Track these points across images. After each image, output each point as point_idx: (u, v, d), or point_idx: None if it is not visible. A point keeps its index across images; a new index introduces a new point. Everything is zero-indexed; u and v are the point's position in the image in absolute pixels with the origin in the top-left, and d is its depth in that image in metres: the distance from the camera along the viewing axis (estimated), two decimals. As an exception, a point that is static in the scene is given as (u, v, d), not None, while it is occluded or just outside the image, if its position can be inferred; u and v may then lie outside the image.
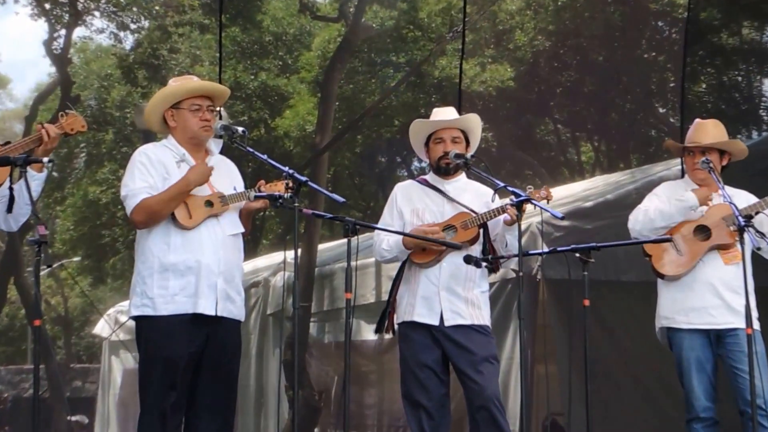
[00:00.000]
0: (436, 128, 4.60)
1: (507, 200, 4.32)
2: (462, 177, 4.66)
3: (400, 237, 4.45)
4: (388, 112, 16.71)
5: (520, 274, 4.01)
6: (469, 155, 4.50)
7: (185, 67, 17.25)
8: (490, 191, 4.49)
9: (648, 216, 4.70)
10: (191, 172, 4.07)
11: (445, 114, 4.63)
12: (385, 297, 4.88)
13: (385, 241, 4.55)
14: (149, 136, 10.81)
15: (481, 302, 4.49)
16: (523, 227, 4.28)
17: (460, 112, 4.71)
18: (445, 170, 4.59)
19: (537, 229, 6.67)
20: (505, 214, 4.32)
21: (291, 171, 3.85)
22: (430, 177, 4.67)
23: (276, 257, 12.68)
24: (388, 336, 4.70)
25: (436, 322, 4.40)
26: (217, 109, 4.26)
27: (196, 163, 4.12)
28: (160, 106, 4.20)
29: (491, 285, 4.88)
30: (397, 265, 4.64)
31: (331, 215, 4.08)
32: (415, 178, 4.81)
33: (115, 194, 18.43)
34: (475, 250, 4.46)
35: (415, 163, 19.56)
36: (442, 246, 4.35)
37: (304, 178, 3.84)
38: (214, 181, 4.17)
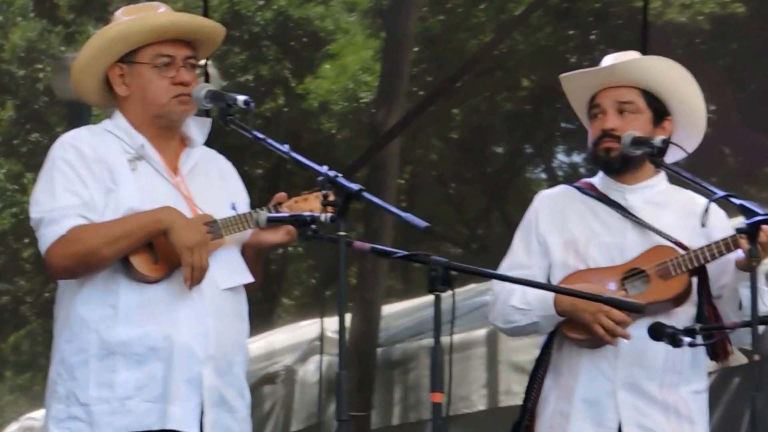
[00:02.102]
0: (595, 88, 4.63)
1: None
2: (660, 179, 4.66)
3: (548, 292, 4.47)
4: (509, 65, 16.76)
5: (756, 358, 4.01)
6: (658, 140, 4.47)
7: (142, -13, 17.54)
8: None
9: None
10: (178, 218, 4.06)
11: (615, 60, 4.65)
12: (506, 401, 4.91)
13: (516, 295, 4.54)
14: (79, 114, 11.01)
15: (692, 410, 4.53)
16: (762, 275, 4.26)
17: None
18: (606, 165, 4.59)
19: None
20: (739, 250, 4.31)
21: (333, 173, 3.93)
22: (600, 180, 4.69)
23: (307, 330, 12.76)
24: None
25: (611, 445, 4.48)
26: (202, 62, 4.35)
27: (195, 215, 4.14)
28: (101, 60, 4.29)
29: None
30: (533, 342, 4.68)
31: (405, 252, 4.10)
32: (573, 182, 4.82)
33: (19, 219, 18.80)
34: (682, 317, 4.47)
35: (560, 156, 19.51)
36: (623, 314, 4.35)
37: (356, 187, 3.91)
38: (198, 195, 4.25)
